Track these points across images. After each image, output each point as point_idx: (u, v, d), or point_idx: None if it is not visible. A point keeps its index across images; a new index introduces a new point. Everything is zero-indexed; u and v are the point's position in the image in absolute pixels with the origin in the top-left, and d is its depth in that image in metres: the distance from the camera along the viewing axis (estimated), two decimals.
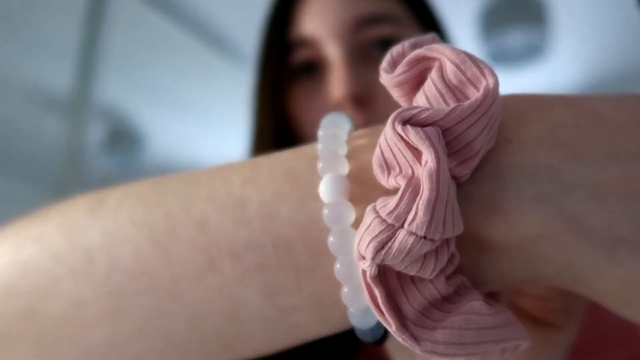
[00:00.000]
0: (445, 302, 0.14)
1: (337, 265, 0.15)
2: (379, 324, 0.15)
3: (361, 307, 0.15)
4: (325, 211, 0.15)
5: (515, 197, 0.14)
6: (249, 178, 0.17)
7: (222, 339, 0.17)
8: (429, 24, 0.51)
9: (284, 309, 0.16)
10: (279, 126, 0.48)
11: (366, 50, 0.46)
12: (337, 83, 0.43)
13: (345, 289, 0.15)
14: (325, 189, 0.15)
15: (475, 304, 0.13)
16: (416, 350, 0.13)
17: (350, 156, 0.16)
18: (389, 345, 0.21)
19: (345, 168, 0.16)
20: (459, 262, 0.14)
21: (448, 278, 0.14)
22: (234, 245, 0.16)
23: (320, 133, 0.17)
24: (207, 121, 1.90)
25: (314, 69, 0.47)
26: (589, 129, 0.14)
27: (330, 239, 0.15)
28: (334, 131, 0.17)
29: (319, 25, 0.46)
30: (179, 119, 1.79)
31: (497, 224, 0.14)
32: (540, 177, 0.14)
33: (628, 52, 1.74)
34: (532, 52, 1.65)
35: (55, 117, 1.43)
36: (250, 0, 0.96)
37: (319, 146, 0.16)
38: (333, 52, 0.45)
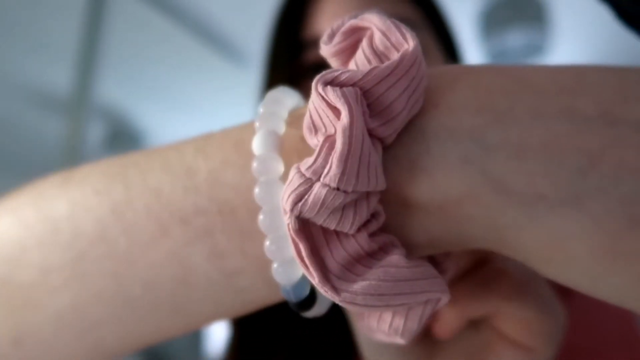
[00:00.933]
0: (370, 259, 0.14)
1: (260, 217, 0.15)
2: (302, 283, 0.15)
3: (283, 260, 0.15)
4: (254, 164, 0.15)
5: (440, 158, 0.14)
6: (200, 148, 0.18)
7: (175, 303, 0.18)
8: (442, 29, 0.51)
9: (230, 272, 0.17)
10: None
11: None
12: None
13: (267, 242, 0.15)
14: (256, 143, 0.15)
15: (393, 258, 0.14)
16: (336, 300, 0.13)
17: (290, 123, 0.16)
18: (364, 353, 0.21)
19: (280, 127, 0.16)
20: (384, 221, 0.15)
21: (373, 235, 0.14)
22: (184, 212, 0.17)
23: (265, 97, 0.17)
24: (207, 121, 1.91)
25: (326, 69, 0.47)
26: (515, 93, 0.14)
27: (256, 190, 0.15)
28: (278, 96, 0.17)
29: None
30: (179, 118, 1.80)
31: (422, 185, 0.14)
32: (465, 139, 0.14)
33: (628, 52, 1.74)
34: (532, 52, 1.64)
35: (55, 117, 1.45)
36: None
37: (260, 109, 0.17)
38: None
